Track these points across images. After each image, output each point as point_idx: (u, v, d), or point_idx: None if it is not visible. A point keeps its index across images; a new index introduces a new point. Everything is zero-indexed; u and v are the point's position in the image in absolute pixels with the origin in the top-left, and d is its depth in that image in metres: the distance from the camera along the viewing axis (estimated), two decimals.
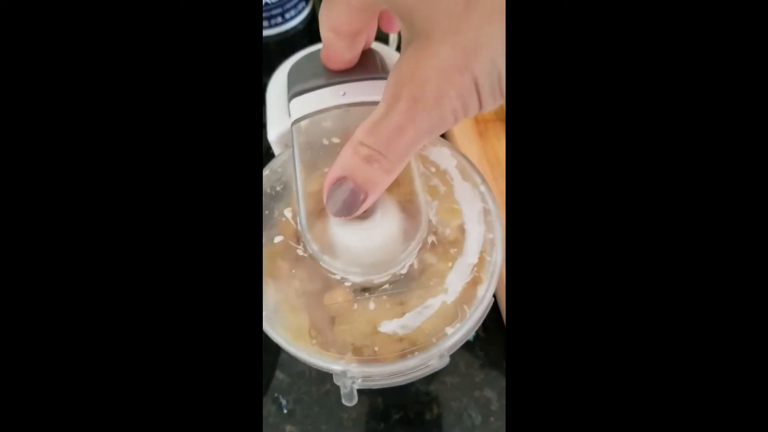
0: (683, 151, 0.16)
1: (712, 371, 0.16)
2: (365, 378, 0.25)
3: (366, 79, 0.29)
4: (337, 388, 0.25)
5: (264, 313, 0.26)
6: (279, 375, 0.38)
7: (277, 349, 0.33)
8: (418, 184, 0.28)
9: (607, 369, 0.17)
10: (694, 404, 0.16)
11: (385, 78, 0.28)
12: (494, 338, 0.38)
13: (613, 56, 0.17)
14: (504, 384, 0.37)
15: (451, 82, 0.21)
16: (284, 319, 0.26)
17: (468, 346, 0.38)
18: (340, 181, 0.23)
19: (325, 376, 0.37)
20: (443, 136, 0.36)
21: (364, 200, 0.23)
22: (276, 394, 0.37)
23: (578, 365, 0.17)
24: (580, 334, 0.17)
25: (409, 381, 0.26)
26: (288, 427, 0.36)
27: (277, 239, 0.27)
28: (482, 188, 0.29)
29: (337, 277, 0.26)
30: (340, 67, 0.29)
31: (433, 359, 0.25)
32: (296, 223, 0.28)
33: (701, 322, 0.16)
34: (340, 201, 0.23)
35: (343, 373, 0.25)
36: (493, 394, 0.36)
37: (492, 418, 0.36)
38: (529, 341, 0.17)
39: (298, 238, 0.27)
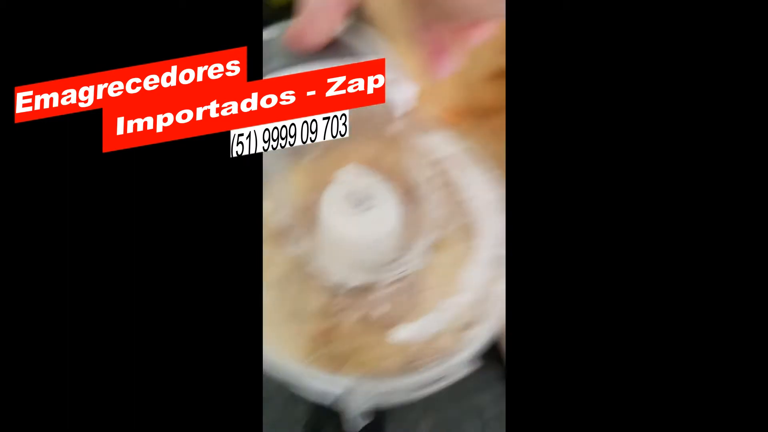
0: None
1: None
2: (376, 396, 0.21)
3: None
4: None
5: None
6: None
7: None
8: (421, 171, 0.24)
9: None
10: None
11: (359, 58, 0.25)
12: None
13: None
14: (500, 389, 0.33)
15: None
16: (267, 336, 0.21)
17: None
18: None
19: None
20: None
21: None
22: None
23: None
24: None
25: (428, 394, 0.22)
26: None
27: None
28: (495, 174, 0.26)
29: (333, 280, 0.22)
30: (314, 44, 0.25)
31: (459, 367, 0.21)
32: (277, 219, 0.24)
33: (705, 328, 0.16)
34: None
35: (348, 393, 0.21)
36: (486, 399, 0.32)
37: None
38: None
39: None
